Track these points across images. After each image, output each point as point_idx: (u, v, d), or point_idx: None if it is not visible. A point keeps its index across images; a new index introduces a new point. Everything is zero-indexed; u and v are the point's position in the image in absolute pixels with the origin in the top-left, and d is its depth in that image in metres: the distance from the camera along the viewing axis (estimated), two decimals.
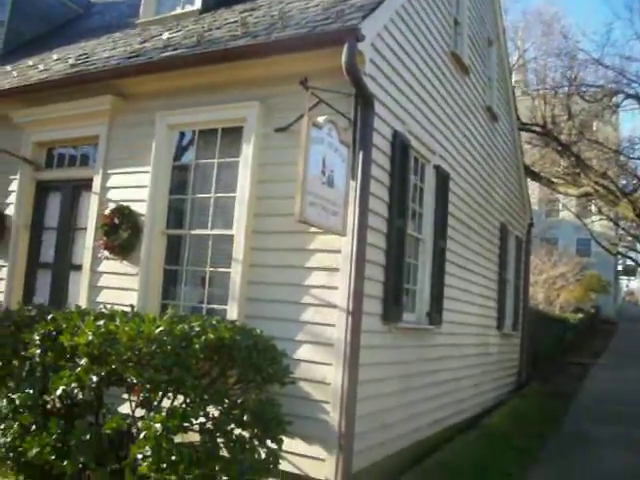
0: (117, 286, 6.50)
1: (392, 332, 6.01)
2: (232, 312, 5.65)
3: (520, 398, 10.66)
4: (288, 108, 5.60)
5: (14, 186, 7.71)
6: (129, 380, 4.15)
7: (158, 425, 3.91)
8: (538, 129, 16.92)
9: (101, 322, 4.40)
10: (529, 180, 17.73)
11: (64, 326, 4.57)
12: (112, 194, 6.77)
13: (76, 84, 6.97)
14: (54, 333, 4.62)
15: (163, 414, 3.94)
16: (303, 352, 5.32)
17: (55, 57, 8.22)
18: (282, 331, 5.40)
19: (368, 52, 5.41)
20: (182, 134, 6.50)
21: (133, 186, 6.59)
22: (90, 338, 4.24)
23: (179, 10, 8.09)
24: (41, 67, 7.71)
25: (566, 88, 17.00)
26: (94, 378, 4.23)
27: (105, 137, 6.94)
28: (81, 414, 4.43)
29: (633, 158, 18.30)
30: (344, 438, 5.01)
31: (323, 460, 5.06)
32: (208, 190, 6.16)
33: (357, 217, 5.22)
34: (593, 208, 26.17)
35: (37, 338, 4.65)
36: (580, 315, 23.14)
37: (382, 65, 5.78)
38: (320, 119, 4.86)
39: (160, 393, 4.09)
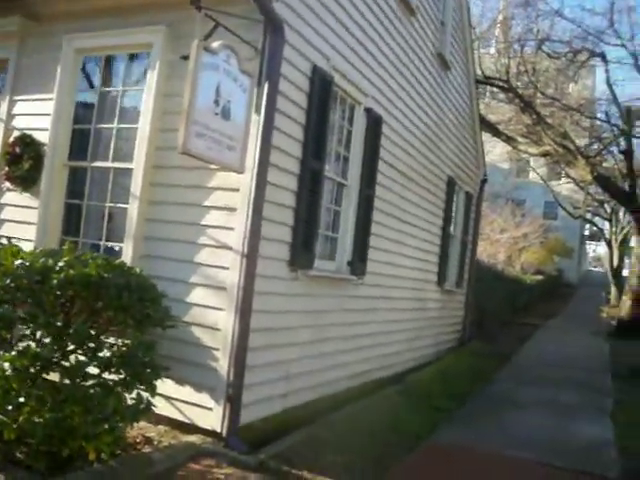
0: (19, 219, 6.11)
1: (301, 279, 5.74)
2: (127, 250, 5.33)
3: (456, 355, 10.56)
4: (197, 35, 5.16)
5: None
6: None
7: (7, 364, 3.62)
8: (501, 84, 16.50)
9: None
10: (491, 136, 17.48)
11: None
12: (18, 122, 6.30)
13: None
14: None
15: (13, 353, 3.64)
16: (196, 295, 5.03)
17: None
18: (176, 272, 5.13)
19: None
20: (89, 59, 6.02)
21: (38, 114, 6.12)
22: None
23: None
24: None
25: (531, 43, 16.58)
26: None
27: (14, 61, 6.41)
28: None
29: (591, 117, 18.01)
30: (232, 388, 4.77)
31: (210, 409, 4.84)
32: (111, 120, 5.75)
33: (258, 154, 4.87)
34: (561, 171, 26.06)
35: None
36: (539, 277, 23.20)
37: None
38: (215, 44, 4.46)
39: (13, 331, 3.78)
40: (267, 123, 4.91)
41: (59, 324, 3.80)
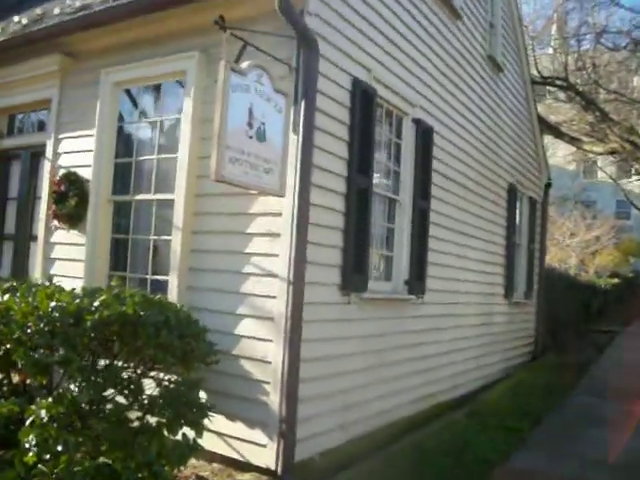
0: (68, 257, 6.10)
1: (355, 303, 5.43)
2: (173, 283, 5.18)
3: (528, 370, 9.96)
4: (226, 57, 4.98)
5: None
6: (18, 361, 3.71)
7: (43, 412, 3.48)
8: (560, 82, 15.75)
9: (6, 297, 3.97)
10: (553, 138, 16.72)
11: None
12: (63, 160, 6.33)
13: (24, 45, 6.49)
14: None
15: (50, 399, 3.50)
16: (244, 327, 4.81)
17: (16, 19, 7.74)
18: (223, 304, 4.94)
19: None
20: (127, 92, 5.97)
21: (81, 150, 6.13)
22: None
23: None
24: (12, 30, 7.24)
25: (589, 37, 15.76)
26: None
27: (57, 100, 6.48)
28: None
29: None
30: (285, 422, 4.50)
31: (264, 446, 4.58)
32: (151, 151, 5.66)
33: (299, 175, 4.63)
34: (630, 168, 24.75)
35: None
36: (615, 280, 21.98)
37: (334, 3, 5.10)
38: (244, 65, 4.27)
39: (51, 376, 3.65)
40: (306, 142, 4.68)
41: (94, 367, 3.64)
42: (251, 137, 4.28)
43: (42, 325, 3.61)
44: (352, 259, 5.32)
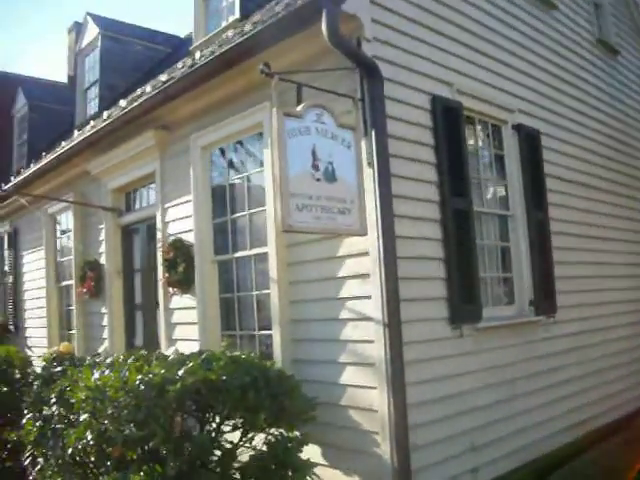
0: (185, 321, 6.26)
1: (469, 335, 4.99)
2: (276, 337, 5.09)
3: None
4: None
5: (104, 234, 7.90)
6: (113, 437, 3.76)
7: None
8: None
9: (97, 374, 4.09)
10: None
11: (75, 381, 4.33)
12: (171, 228, 6.57)
13: (123, 126, 6.92)
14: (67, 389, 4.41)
15: (141, 474, 3.49)
16: (347, 375, 4.57)
17: (121, 103, 8.31)
18: (324, 353, 4.76)
19: (365, 11, 4.54)
20: (215, 154, 6.09)
21: (183, 217, 6.33)
22: (84, 395, 3.95)
23: (224, 23, 7.74)
24: (105, 116, 7.81)
25: None
26: (89, 436, 3.90)
27: (159, 172, 6.79)
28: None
29: None
30: (399, 474, 4.16)
31: None
32: (243, 208, 5.69)
33: (379, 209, 4.37)
34: None
35: (53, 395, 4.48)
36: None
37: (395, 21, 4.85)
38: (299, 107, 4.12)
39: (139, 450, 3.64)
40: (382, 173, 4.41)
41: (183, 437, 3.59)
42: (318, 179, 4.10)
43: (129, 400, 3.63)
44: (458, 289, 4.92)
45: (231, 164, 5.93)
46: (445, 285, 4.87)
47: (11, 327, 10.74)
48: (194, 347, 5.91)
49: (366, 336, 4.43)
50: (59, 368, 5.08)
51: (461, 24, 5.52)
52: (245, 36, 5.07)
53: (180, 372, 3.75)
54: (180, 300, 6.34)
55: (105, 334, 7.73)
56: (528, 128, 6.15)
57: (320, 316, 4.82)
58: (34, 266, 10.04)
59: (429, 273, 4.77)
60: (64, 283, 9.15)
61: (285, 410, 3.92)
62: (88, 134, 7.50)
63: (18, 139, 13.97)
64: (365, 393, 4.42)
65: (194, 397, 3.68)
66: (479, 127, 5.75)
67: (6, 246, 11.20)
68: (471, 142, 5.60)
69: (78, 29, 12.43)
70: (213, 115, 5.89)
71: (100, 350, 7.78)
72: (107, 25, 10.85)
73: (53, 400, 4.47)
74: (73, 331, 8.61)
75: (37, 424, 4.63)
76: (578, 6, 7.64)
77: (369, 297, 4.42)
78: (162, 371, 3.79)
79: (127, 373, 3.84)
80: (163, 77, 6.57)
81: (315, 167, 4.10)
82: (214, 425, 3.80)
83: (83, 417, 4.00)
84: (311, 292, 4.92)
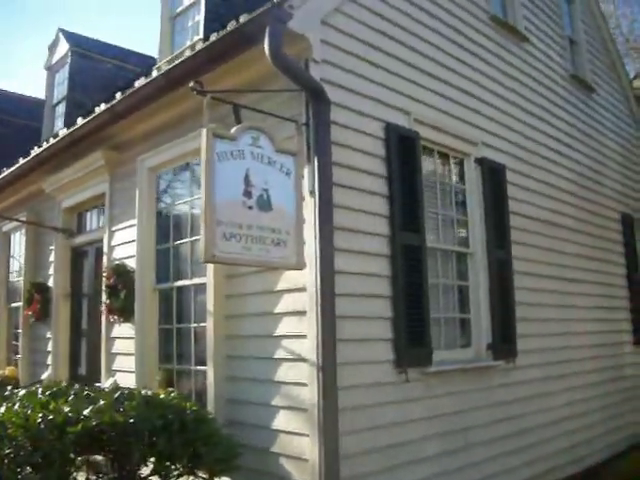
0: (125, 351, 5.89)
1: (417, 380, 4.66)
2: (210, 373, 4.74)
3: None
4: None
5: (53, 256, 7.54)
6: None
7: None
8: None
9: (2, 409, 3.71)
10: None
11: None
12: (116, 252, 6.24)
13: (70, 145, 6.62)
14: None
15: None
16: (279, 420, 4.22)
17: (79, 121, 8.01)
18: (257, 394, 4.43)
19: (314, 31, 4.29)
20: (161, 176, 5.79)
21: (128, 241, 5.99)
22: None
23: (188, 42, 7.50)
24: (61, 133, 7.49)
25: None
26: None
27: (108, 193, 6.47)
28: None
29: None
30: None
31: None
32: (186, 234, 5.37)
33: (318, 241, 4.07)
34: None
35: None
36: None
37: (347, 44, 4.60)
38: (234, 129, 3.84)
39: None
40: (324, 203, 4.12)
41: None
42: (250, 207, 3.79)
43: (25, 440, 3.27)
44: (406, 330, 4.60)
45: (177, 188, 5.63)
46: (391, 325, 4.56)
47: None
48: (132, 380, 5.56)
49: (300, 378, 4.09)
50: None
51: (422, 50, 5.31)
52: (192, 55, 4.80)
53: (86, 411, 3.38)
54: (120, 329, 5.98)
55: (49, 360, 7.32)
56: (492, 162, 5.90)
57: (256, 354, 4.49)
58: None
59: (374, 312, 4.45)
60: (13, 305, 8.74)
61: (201, 457, 3.55)
62: (39, 151, 7.18)
63: None
64: (296, 440, 4.06)
65: (102, 439, 3.31)
66: (439, 159, 5.50)
67: None
68: (430, 175, 5.34)
69: (52, 45, 12.19)
70: (161, 136, 5.61)
71: (43, 377, 7.38)
72: (78, 42, 10.61)
73: None
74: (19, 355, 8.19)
75: None
76: (552, 41, 7.48)
77: (305, 336, 4.09)
78: (67, 409, 3.43)
79: (29, 410, 3.47)
80: (118, 95, 6.28)
81: (247, 194, 3.80)
82: (119, 472, 3.42)
83: None
84: (248, 328, 4.59)
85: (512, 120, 6.41)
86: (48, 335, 7.44)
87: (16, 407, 3.64)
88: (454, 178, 5.66)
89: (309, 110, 4.25)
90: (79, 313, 7.29)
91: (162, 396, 3.86)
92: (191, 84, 3.83)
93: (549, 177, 6.88)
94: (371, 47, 4.80)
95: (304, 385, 4.04)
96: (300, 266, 4.00)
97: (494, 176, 5.89)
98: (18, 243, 8.76)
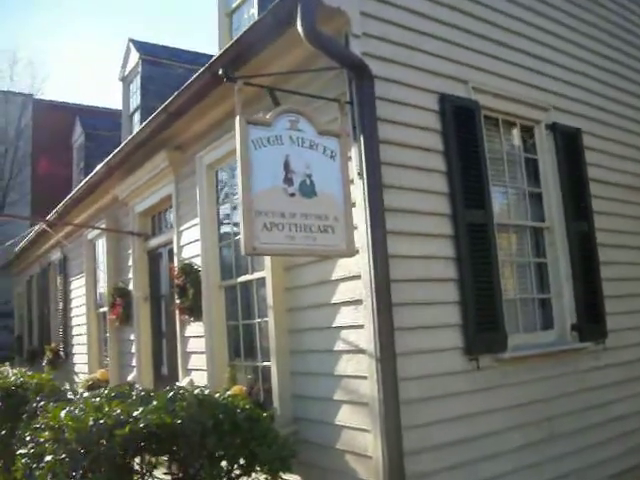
0: (197, 350, 5.91)
1: (492, 367, 4.33)
2: (273, 369, 4.63)
3: None
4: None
5: (131, 260, 7.72)
6: None
7: None
8: None
9: (64, 413, 3.75)
10: None
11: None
12: (184, 252, 6.27)
13: (138, 149, 6.70)
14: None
15: None
16: (342, 415, 4.05)
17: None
18: (319, 389, 4.28)
19: (352, 3, 4.03)
20: (219, 172, 5.74)
21: (193, 241, 6.01)
22: (47, 434, 3.63)
23: None
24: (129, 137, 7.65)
25: None
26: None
27: (175, 194, 6.52)
28: None
29: None
30: None
31: None
32: None
33: (369, 226, 3.84)
34: None
35: (27, 434, 4.19)
36: None
37: (391, 14, 4.31)
38: (269, 114, 3.68)
39: None
40: (372, 185, 3.87)
41: None
42: (292, 194, 3.62)
43: (77, 444, 3.27)
44: (475, 314, 4.27)
45: (235, 183, 5.55)
46: (459, 310, 4.25)
47: (61, 353, 10.79)
48: (205, 378, 5.58)
49: (359, 371, 3.89)
50: (42, 403, 4.80)
51: (476, 13, 4.91)
52: (228, 46, 4.68)
53: (135, 413, 3.35)
54: (192, 328, 6.00)
55: (134, 362, 7.51)
56: (565, 127, 5.41)
57: (316, 347, 4.33)
58: (79, 292, 10.04)
59: (437, 296, 4.16)
60: (101, 310, 9.05)
61: (256, 457, 3.43)
62: (108, 159, 7.34)
63: (77, 167, 14.30)
64: (360, 436, 3.87)
65: (149, 443, 3.26)
66: (504, 129, 5.11)
67: (58, 272, 11.32)
68: (495, 146, 4.97)
69: (124, 56, 12.57)
70: (217, 132, 5.55)
71: (129, 378, 7.59)
72: (148, 50, 10.87)
73: (28, 438, 4.18)
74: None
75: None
76: None
77: (361, 326, 3.88)
78: (118, 411, 3.41)
79: (83, 414, 3.48)
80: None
81: (288, 181, 3.63)
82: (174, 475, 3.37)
83: (47, 459, 3.67)
84: (307, 320, 4.45)
85: (586, 79, 5.86)
86: (132, 337, 7.63)
87: (76, 411, 3.67)
88: (524, 147, 5.24)
89: (352, 88, 4.03)
90: (158, 314, 7.42)
91: (217, 395, 3.77)
92: (220, 71, 3.69)
93: (630, 138, 6.26)
94: (417, 14, 4.49)
95: (364, 378, 3.84)
96: (351, 252, 3.79)
97: (569, 142, 5.41)
98: (102, 250, 9.06)
